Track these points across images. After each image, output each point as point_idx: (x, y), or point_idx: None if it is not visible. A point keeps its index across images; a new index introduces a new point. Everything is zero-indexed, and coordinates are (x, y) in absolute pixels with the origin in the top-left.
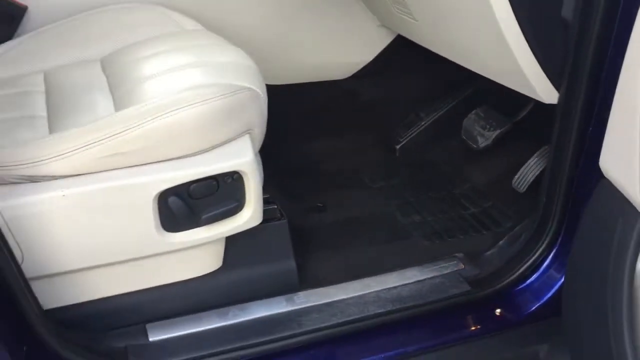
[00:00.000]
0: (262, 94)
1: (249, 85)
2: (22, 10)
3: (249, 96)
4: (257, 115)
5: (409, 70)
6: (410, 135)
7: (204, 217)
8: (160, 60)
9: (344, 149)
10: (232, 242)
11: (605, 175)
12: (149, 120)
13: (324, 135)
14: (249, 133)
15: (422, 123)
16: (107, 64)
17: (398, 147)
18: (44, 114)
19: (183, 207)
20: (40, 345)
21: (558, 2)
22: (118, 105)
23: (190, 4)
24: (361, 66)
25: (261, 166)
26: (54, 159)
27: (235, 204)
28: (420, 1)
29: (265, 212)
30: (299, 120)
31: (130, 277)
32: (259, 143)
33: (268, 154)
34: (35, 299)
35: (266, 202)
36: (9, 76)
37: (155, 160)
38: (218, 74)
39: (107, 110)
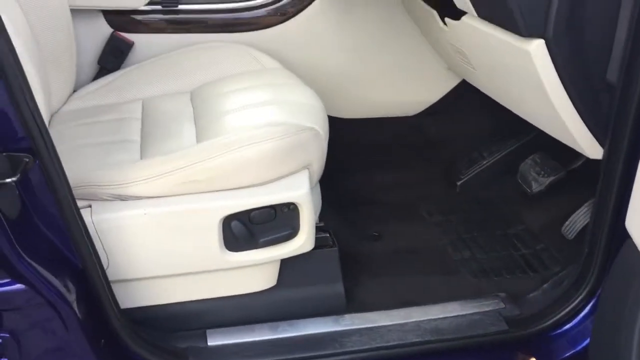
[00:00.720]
0: (324, 133)
1: (312, 126)
2: (129, 45)
3: (311, 136)
4: (316, 152)
5: (474, 111)
6: (471, 173)
7: (261, 240)
8: (239, 96)
9: (406, 182)
10: (286, 264)
11: (630, 235)
12: (220, 154)
13: (388, 168)
14: (307, 168)
15: (484, 162)
16: (195, 96)
17: (459, 183)
18: (138, 138)
19: (244, 230)
20: (115, 339)
21: (603, 66)
22: (199, 135)
23: (272, 44)
24: (429, 104)
25: (319, 196)
26: (139, 182)
27: (290, 231)
28: (475, 53)
29: (318, 239)
30: (365, 152)
31: (195, 287)
32: (317, 176)
33: (332, 182)
34: (114, 299)
35: (321, 229)
36: (114, 102)
37: (223, 189)
38: (287, 113)
39: (189, 139)
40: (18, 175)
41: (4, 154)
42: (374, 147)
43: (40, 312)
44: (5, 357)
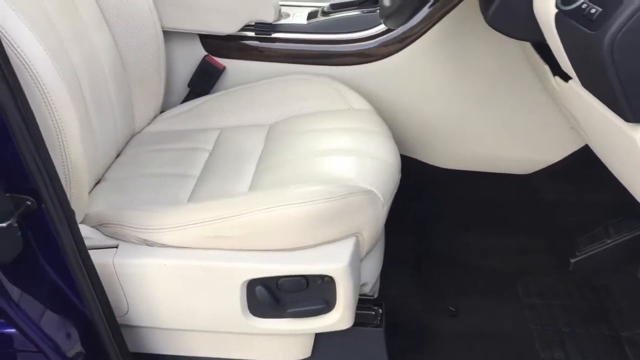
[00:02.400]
0: (383, 198)
1: (370, 189)
2: (220, 70)
3: (366, 200)
4: (369, 218)
5: (600, 180)
6: (590, 251)
7: (289, 311)
8: (310, 139)
9: (505, 248)
10: (323, 336)
11: None
12: (255, 211)
13: (486, 230)
14: (355, 236)
15: (609, 241)
16: (271, 131)
17: (573, 261)
18: (197, 173)
19: (269, 298)
20: None
21: None
22: (255, 180)
23: (367, 81)
24: (546, 165)
25: (376, 265)
26: (165, 230)
27: (323, 305)
28: (584, 121)
29: (362, 315)
30: (463, 208)
31: (219, 346)
32: (368, 245)
33: (414, 237)
34: (120, 346)
35: (371, 302)
36: (193, 129)
37: (252, 248)
38: (350, 169)
39: (243, 184)
40: (12, 220)
41: (7, 194)
42: (473, 203)
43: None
44: None
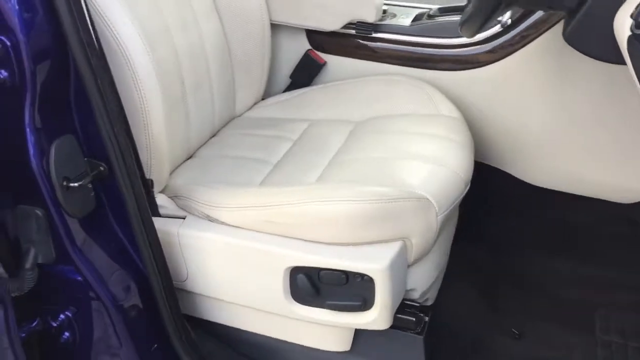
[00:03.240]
0: (438, 207)
1: (425, 195)
2: (320, 65)
3: (418, 206)
4: (419, 225)
5: None
6: None
7: (328, 302)
8: (387, 141)
9: (590, 279)
10: (363, 333)
11: None
12: (306, 202)
13: (571, 256)
14: (403, 240)
15: None
16: (355, 129)
17: None
18: (275, 161)
19: (309, 287)
20: (168, 346)
21: None
22: (324, 173)
23: (457, 88)
24: None
25: (429, 273)
26: (224, 208)
27: (360, 303)
28: None
29: (403, 319)
30: (546, 229)
31: (264, 323)
32: (417, 253)
33: (491, 255)
34: (173, 307)
35: (416, 308)
36: (285, 118)
37: (299, 237)
38: (412, 174)
39: (312, 176)
40: (86, 180)
41: (86, 158)
42: (559, 226)
43: (94, 306)
44: (68, 332)
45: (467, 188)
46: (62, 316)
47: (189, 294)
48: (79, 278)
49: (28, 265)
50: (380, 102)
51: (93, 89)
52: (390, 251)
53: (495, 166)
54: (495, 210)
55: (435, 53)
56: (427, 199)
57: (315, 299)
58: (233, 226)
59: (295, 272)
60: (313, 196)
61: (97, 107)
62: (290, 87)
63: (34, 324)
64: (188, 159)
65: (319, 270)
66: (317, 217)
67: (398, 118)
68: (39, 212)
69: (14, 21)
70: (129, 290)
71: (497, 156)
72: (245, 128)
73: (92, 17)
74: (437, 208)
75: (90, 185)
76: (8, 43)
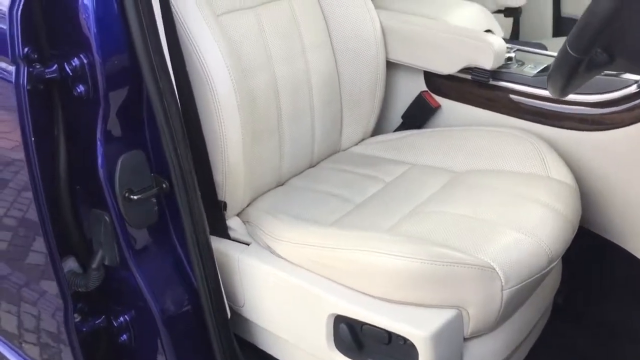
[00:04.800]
0: (505, 279)
1: (490, 264)
2: (434, 108)
3: (477, 275)
4: (479, 296)
5: None
6: None
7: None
8: (481, 200)
9: None
10: None
11: None
12: (358, 250)
13: None
14: (458, 309)
15: None
16: (454, 180)
17: None
18: (360, 201)
19: (351, 339)
20: None
21: None
22: (399, 222)
23: (576, 150)
24: None
25: (500, 353)
26: (282, 241)
27: None
28: None
29: None
30: None
31: None
32: (475, 325)
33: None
34: (224, 333)
35: None
36: (386, 158)
37: (347, 285)
38: (487, 238)
39: (388, 223)
40: (143, 195)
41: (152, 174)
42: None
43: (144, 315)
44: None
45: (552, 265)
46: (122, 318)
47: (245, 319)
48: (135, 285)
49: (95, 265)
50: (487, 155)
51: (159, 111)
52: (439, 318)
53: (610, 240)
54: (604, 289)
55: (558, 109)
56: (493, 268)
57: (356, 353)
58: (288, 261)
59: (339, 321)
60: (369, 245)
61: (162, 127)
62: (401, 127)
63: (99, 320)
64: (279, 186)
65: (362, 323)
66: (367, 268)
67: (502, 175)
68: (107, 217)
69: (91, 41)
70: (180, 305)
71: (614, 230)
72: (344, 163)
73: (182, 40)
74: (503, 281)
75: (154, 200)
76: (85, 61)
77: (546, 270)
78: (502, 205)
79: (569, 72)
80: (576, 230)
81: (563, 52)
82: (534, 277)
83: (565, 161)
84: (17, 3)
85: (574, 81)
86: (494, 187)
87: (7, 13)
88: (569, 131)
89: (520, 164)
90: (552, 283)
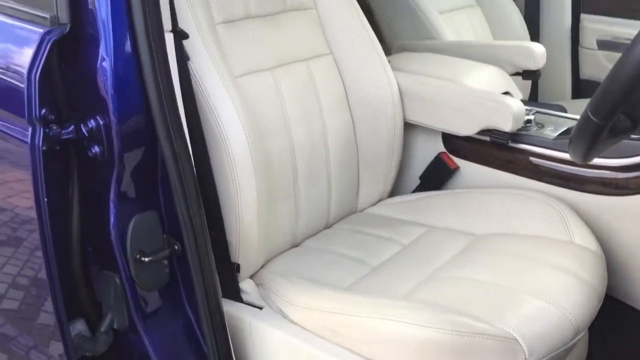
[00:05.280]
0: (529, 351)
1: (512, 335)
2: (452, 169)
3: (501, 347)
4: None
5: None
6: None
7: None
8: (501, 266)
9: None
10: None
11: None
12: (372, 317)
13: None
14: None
15: None
16: (474, 243)
17: None
18: (376, 264)
19: None
20: None
21: None
22: (416, 287)
23: (600, 215)
24: None
25: None
26: (293, 305)
27: None
28: None
29: None
30: None
31: None
32: None
33: None
34: None
35: None
36: (402, 220)
37: (358, 353)
38: (508, 308)
39: (406, 288)
40: (155, 257)
41: (165, 235)
42: None
43: None
44: None
45: (579, 337)
46: None
47: None
48: (144, 351)
49: (104, 328)
50: (507, 218)
51: (174, 173)
52: None
53: (639, 308)
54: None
55: (580, 172)
56: (517, 340)
57: None
58: (302, 327)
59: None
60: (387, 312)
61: (176, 189)
62: (419, 189)
63: None
64: (294, 247)
65: None
66: (382, 336)
67: (523, 239)
68: (117, 279)
69: (108, 103)
70: None
71: None
72: (360, 225)
73: (198, 100)
74: (527, 353)
75: (165, 261)
76: (102, 122)
77: (572, 342)
78: (523, 272)
79: (591, 138)
80: (602, 300)
81: (585, 118)
82: (559, 350)
83: (588, 226)
84: (36, 65)
85: (597, 147)
86: (515, 252)
87: (25, 75)
88: (592, 195)
89: (543, 228)
90: (578, 353)
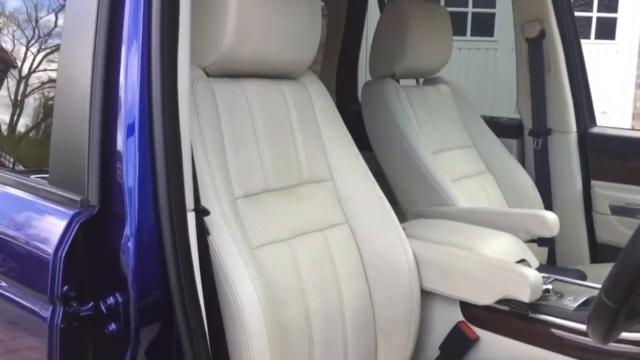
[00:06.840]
0: None
1: None
2: (471, 340)
3: None
4: None
5: None
6: None
7: None
8: None
9: None
10: None
11: None
12: None
13: None
14: None
15: None
16: None
17: None
18: None
19: None
20: None
21: None
22: None
23: None
24: None
25: None
26: None
27: None
28: None
29: None
30: None
31: None
32: None
33: None
34: None
35: None
36: None
37: None
38: None
39: None
40: None
41: None
42: None
43: None
44: None
45: None
46: None
47: None
48: None
49: None
50: None
51: (188, 350)
52: None
53: None
54: None
55: (605, 346)
56: None
57: None
58: None
59: None
60: None
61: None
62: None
63: None
64: None
65: None
66: None
67: None
68: None
69: (129, 280)
70: None
71: None
72: None
73: (215, 270)
74: None
75: None
76: (120, 299)
77: None
78: None
79: (608, 321)
80: None
81: (599, 302)
82: None
83: None
84: (63, 244)
85: (616, 329)
86: None
87: (52, 254)
88: None
89: None
90: None
